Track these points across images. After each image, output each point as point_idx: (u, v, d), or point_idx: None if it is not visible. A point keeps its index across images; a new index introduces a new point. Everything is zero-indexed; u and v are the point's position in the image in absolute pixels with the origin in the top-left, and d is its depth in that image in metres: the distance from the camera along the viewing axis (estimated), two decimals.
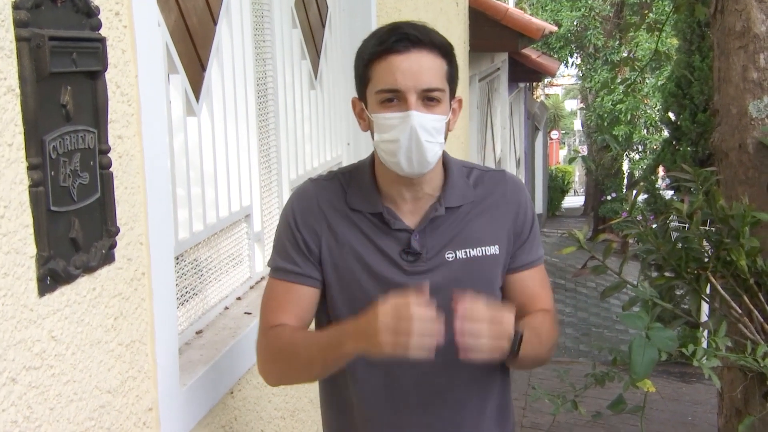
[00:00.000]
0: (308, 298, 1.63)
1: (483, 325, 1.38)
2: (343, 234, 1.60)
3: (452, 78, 1.56)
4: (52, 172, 1.21)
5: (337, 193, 1.63)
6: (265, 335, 1.63)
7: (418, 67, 1.49)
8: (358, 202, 1.61)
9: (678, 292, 2.36)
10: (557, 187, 21.54)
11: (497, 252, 1.61)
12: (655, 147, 15.42)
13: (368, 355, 1.43)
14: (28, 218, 1.17)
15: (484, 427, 1.68)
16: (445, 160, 1.64)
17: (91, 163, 1.32)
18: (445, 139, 1.56)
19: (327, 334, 1.55)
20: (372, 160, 1.63)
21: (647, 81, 15.85)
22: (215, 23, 2.21)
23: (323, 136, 3.16)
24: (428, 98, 1.50)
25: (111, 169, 1.38)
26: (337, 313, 1.64)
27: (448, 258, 1.58)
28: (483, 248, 1.59)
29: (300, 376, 1.68)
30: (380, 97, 1.51)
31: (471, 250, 1.58)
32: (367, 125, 1.59)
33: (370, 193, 1.60)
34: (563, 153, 33.96)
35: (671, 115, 9.30)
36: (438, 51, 1.52)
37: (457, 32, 5.47)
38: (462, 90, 5.34)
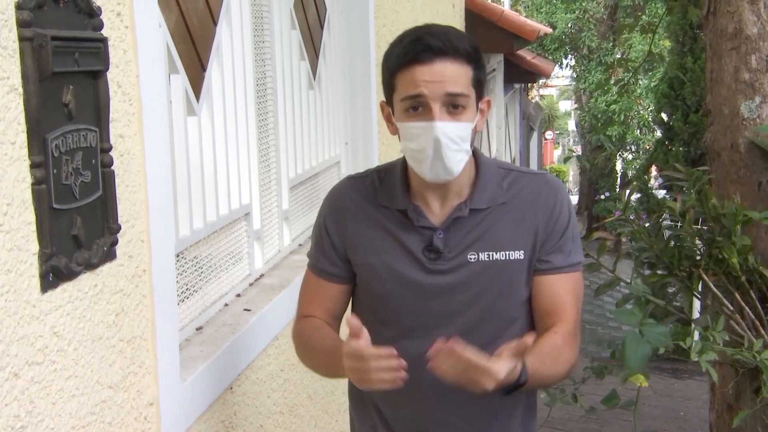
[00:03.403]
0: (335, 294, 1.69)
1: (460, 365, 1.37)
2: (366, 231, 1.62)
3: (479, 82, 1.55)
4: (55, 171, 1.23)
5: (368, 190, 1.65)
6: (297, 323, 1.72)
7: (441, 76, 1.48)
8: (386, 199, 1.63)
9: (670, 290, 2.38)
10: None
11: (522, 257, 1.58)
12: (648, 147, 15.48)
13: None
14: (30, 216, 1.18)
15: (511, 428, 1.68)
16: (478, 161, 1.63)
17: (93, 161, 1.34)
18: (472, 143, 1.55)
19: (331, 351, 1.56)
20: (405, 159, 1.64)
21: (640, 82, 15.90)
22: (215, 24, 2.22)
23: (322, 136, 3.17)
24: (453, 105, 1.49)
25: (112, 168, 1.40)
26: (361, 307, 1.69)
27: (470, 259, 1.57)
28: (507, 252, 1.57)
29: (318, 370, 1.75)
30: (405, 104, 1.51)
31: (494, 254, 1.57)
32: (394, 129, 1.59)
33: (400, 190, 1.62)
34: (558, 153, 33.98)
35: (664, 115, 9.35)
36: (462, 58, 1.51)
37: None
38: None
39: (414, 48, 1.50)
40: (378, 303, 1.61)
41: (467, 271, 1.57)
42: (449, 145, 1.49)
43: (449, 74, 1.49)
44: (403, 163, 1.65)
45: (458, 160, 1.52)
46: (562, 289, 1.60)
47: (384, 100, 1.62)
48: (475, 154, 1.64)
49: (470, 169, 1.61)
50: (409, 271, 1.59)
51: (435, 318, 1.58)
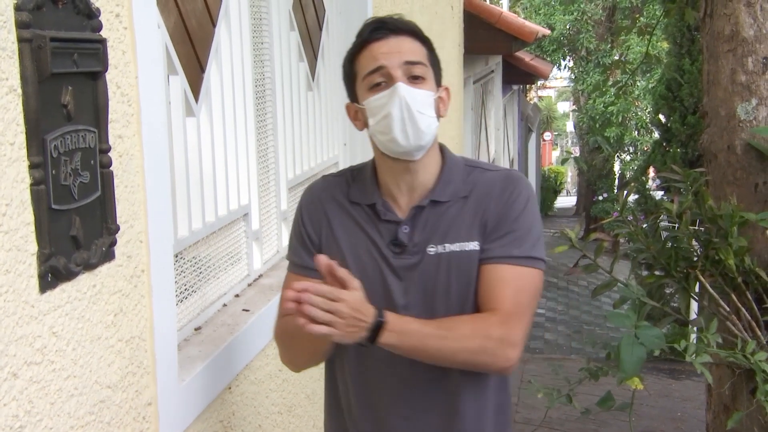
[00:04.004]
0: None
1: (318, 299, 1.40)
2: (339, 225, 1.65)
3: (434, 63, 1.61)
4: (53, 171, 1.23)
5: (341, 188, 1.69)
6: (279, 321, 1.71)
7: (398, 48, 1.55)
8: (357, 195, 1.66)
9: (667, 291, 2.38)
10: (550, 188, 21.59)
11: (477, 248, 1.60)
12: (645, 148, 15.49)
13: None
14: (29, 216, 1.19)
15: (480, 425, 1.69)
16: (445, 156, 1.66)
17: (92, 162, 1.34)
18: (437, 117, 1.59)
19: None
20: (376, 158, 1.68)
21: (638, 84, 15.91)
22: (214, 25, 2.23)
23: (320, 137, 3.18)
24: (413, 76, 1.54)
25: (111, 168, 1.40)
26: None
27: (430, 252, 1.60)
28: (462, 244, 1.59)
29: (303, 358, 1.74)
30: (368, 82, 1.56)
31: (451, 245, 1.59)
32: (362, 123, 1.62)
33: (370, 185, 1.66)
34: (556, 154, 34.03)
35: (661, 117, 9.36)
36: (416, 37, 1.59)
37: (452, 35, 5.49)
38: (456, 92, 5.36)
39: (369, 28, 1.59)
40: None
41: (427, 264, 1.60)
42: (415, 105, 1.52)
43: (406, 47, 1.56)
44: (373, 160, 1.68)
45: (428, 124, 1.55)
46: (495, 280, 1.57)
47: (348, 102, 1.66)
48: (443, 150, 1.67)
49: (437, 163, 1.65)
50: (376, 266, 1.61)
51: (400, 311, 1.59)
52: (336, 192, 1.69)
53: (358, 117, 1.63)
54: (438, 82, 1.62)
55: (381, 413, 1.67)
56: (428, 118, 1.55)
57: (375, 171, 1.67)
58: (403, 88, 1.52)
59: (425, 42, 1.61)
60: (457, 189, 1.63)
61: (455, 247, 1.59)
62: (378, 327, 1.45)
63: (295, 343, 1.67)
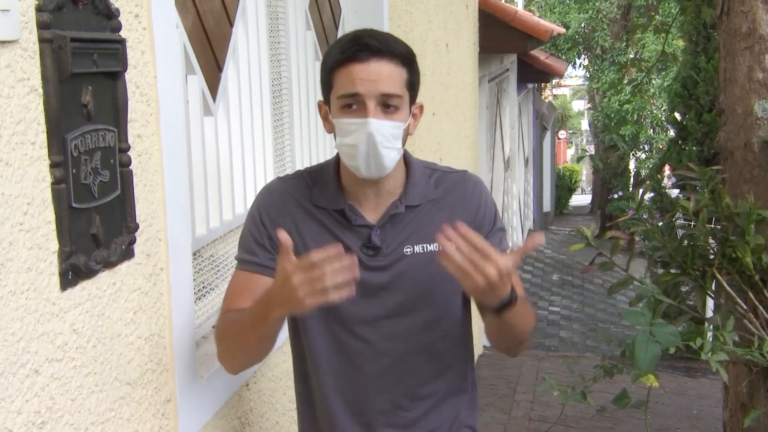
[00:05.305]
0: (266, 287, 1.62)
1: (467, 246, 1.39)
2: (306, 229, 1.64)
3: (412, 85, 1.61)
4: (74, 170, 1.24)
5: (302, 191, 1.68)
6: (220, 319, 1.65)
7: (377, 75, 1.53)
8: (322, 200, 1.66)
9: (684, 289, 2.38)
10: (565, 186, 21.50)
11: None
12: (661, 146, 15.42)
13: (293, 312, 1.46)
14: (50, 215, 1.20)
15: (456, 417, 1.72)
16: (408, 161, 1.69)
17: (112, 161, 1.35)
18: (404, 143, 1.61)
19: (255, 304, 1.52)
20: (337, 160, 1.68)
21: (653, 82, 15.82)
22: (231, 25, 2.24)
23: None
24: (386, 105, 1.54)
25: (130, 167, 1.41)
26: None
27: (406, 252, 1.63)
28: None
29: (241, 350, 1.63)
30: (341, 102, 1.56)
31: (428, 245, 1.63)
32: (331, 128, 1.62)
33: (334, 191, 1.65)
34: (571, 152, 33.95)
35: (677, 115, 9.30)
36: (398, 59, 1.56)
37: (467, 34, 5.48)
38: (472, 90, 5.35)
39: (352, 47, 1.55)
40: None
41: (404, 264, 1.63)
42: (382, 142, 1.54)
43: (385, 74, 1.54)
44: (335, 164, 1.68)
45: (391, 158, 1.57)
46: None
47: (321, 99, 1.65)
48: (405, 154, 1.69)
49: (401, 168, 1.67)
50: None
51: (375, 311, 1.62)
52: (299, 195, 1.67)
53: (327, 119, 1.63)
54: (413, 101, 1.63)
55: (359, 409, 1.67)
56: (393, 151, 1.56)
57: (338, 174, 1.67)
58: (373, 124, 1.52)
59: (407, 63, 1.59)
60: (425, 192, 1.67)
61: (434, 247, 1.61)
62: (510, 300, 1.49)
63: (238, 338, 1.59)
